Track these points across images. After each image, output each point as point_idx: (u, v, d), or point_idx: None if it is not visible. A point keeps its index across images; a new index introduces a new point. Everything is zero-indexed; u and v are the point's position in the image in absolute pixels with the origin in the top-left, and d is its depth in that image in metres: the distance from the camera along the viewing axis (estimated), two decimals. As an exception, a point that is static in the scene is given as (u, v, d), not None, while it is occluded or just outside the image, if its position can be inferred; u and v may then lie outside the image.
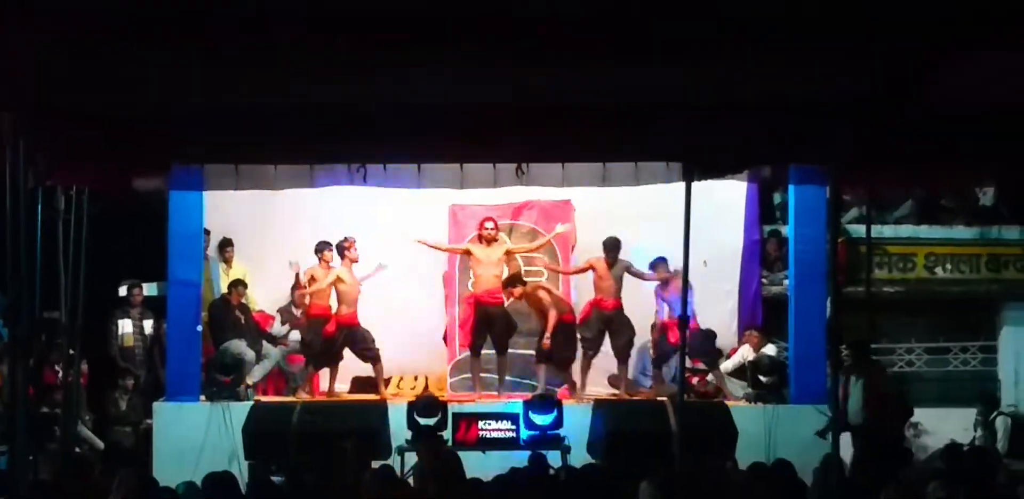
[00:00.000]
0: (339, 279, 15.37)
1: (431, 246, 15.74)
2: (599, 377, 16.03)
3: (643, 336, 15.98)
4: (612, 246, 15.52)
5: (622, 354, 15.67)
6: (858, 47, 9.70)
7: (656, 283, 15.67)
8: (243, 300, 15.79)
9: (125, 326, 16.23)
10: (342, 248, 15.48)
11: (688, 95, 10.99)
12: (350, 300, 15.44)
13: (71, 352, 13.82)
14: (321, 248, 15.51)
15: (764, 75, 10.45)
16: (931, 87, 10.56)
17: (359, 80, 10.61)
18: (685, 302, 11.63)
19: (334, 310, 15.51)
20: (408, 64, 10.19)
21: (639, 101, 11.17)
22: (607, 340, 15.72)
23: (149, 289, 16.45)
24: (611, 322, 15.57)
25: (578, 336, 15.64)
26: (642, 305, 15.79)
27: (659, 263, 15.51)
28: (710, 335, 15.81)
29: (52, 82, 10.64)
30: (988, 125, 11.34)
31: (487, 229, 15.53)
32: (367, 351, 15.54)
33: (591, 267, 15.60)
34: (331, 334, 15.45)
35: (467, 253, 15.60)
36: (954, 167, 12.90)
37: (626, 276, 15.58)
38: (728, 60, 9.98)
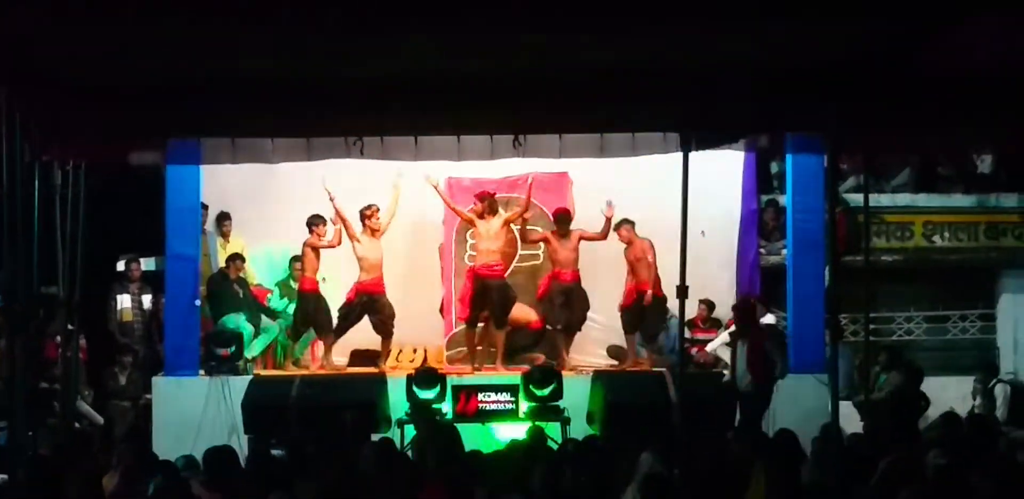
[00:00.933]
0: (359, 242, 15.32)
1: (443, 197, 15.66)
2: (598, 348, 16.05)
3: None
4: (561, 218, 15.55)
5: (576, 327, 15.70)
6: (854, 13, 9.66)
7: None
8: (241, 274, 15.76)
9: (123, 301, 16.21)
10: (364, 216, 15.39)
11: (684, 64, 10.96)
12: (368, 267, 15.32)
13: (70, 327, 13.80)
14: (314, 222, 15.45)
15: (759, 43, 10.42)
16: (927, 53, 10.53)
17: (355, 52, 10.58)
18: (684, 273, 11.54)
19: (356, 278, 15.40)
20: (404, 35, 10.15)
21: (636, 71, 11.14)
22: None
23: (147, 263, 16.44)
24: (571, 293, 15.55)
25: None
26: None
27: (621, 225, 15.52)
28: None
29: (47, 56, 10.60)
30: (985, 91, 11.31)
31: (477, 205, 15.49)
32: (383, 324, 15.47)
33: (544, 239, 15.65)
34: (350, 301, 15.42)
35: (471, 223, 15.55)
36: (951, 133, 12.89)
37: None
38: (724, 28, 9.95)
